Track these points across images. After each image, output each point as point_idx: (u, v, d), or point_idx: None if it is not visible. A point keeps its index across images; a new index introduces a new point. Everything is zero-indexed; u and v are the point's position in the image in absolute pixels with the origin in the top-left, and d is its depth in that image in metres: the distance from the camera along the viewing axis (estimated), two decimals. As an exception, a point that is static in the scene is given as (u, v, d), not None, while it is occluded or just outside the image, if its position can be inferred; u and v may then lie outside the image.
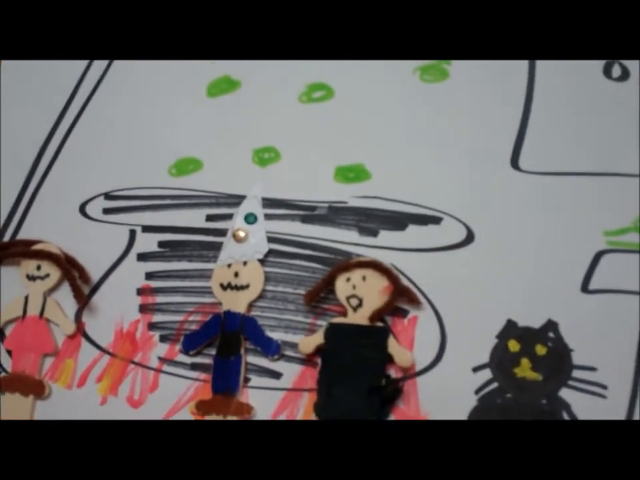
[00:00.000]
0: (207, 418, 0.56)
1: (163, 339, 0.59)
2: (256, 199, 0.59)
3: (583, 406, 0.51)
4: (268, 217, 0.59)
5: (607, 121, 0.55)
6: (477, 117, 0.57)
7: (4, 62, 0.68)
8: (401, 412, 0.53)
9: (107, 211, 0.62)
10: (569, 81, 0.56)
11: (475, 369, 0.53)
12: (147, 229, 0.61)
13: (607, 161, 0.54)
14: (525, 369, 0.52)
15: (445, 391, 0.53)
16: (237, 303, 0.57)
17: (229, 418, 0.56)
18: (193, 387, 0.57)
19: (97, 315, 0.61)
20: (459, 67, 0.58)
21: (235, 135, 0.61)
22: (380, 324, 0.54)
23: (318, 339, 0.55)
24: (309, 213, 0.58)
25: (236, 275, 0.58)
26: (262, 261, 0.58)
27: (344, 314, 0.55)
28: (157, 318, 0.59)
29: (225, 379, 0.56)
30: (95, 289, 0.61)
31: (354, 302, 0.54)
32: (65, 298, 0.61)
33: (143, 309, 0.60)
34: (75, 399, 0.59)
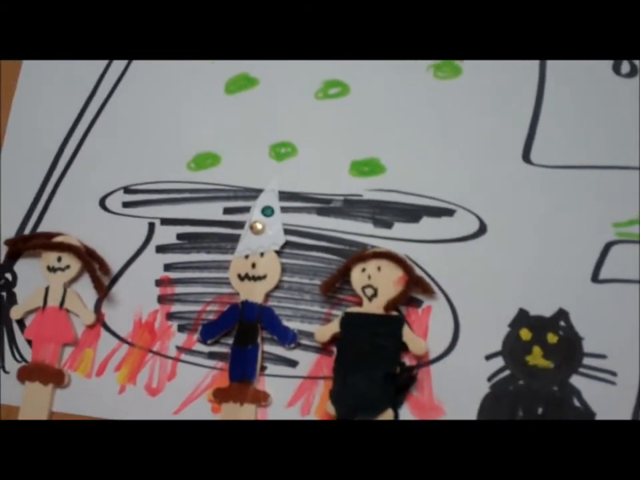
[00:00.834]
0: (224, 405, 0.57)
1: (181, 328, 0.60)
2: (273, 192, 0.61)
3: (593, 392, 0.52)
4: (284, 209, 0.60)
5: (616, 115, 0.56)
6: (489, 112, 0.58)
7: (24, 63, 0.69)
8: (414, 399, 0.54)
9: (126, 205, 0.64)
10: (578, 77, 0.57)
11: (488, 357, 0.54)
12: (165, 221, 0.63)
13: (616, 154, 0.55)
14: (536, 357, 0.53)
15: (458, 379, 0.54)
16: (254, 293, 0.58)
17: (246, 405, 0.57)
18: (210, 375, 0.59)
19: (116, 306, 0.62)
20: (471, 64, 0.59)
21: (253, 130, 0.62)
22: (395, 313, 0.55)
23: (334, 327, 0.56)
24: (325, 206, 0.59)
25: (253, 265, 0.59)
26: (278, 252, 0.59)
27: (359, 304, 0.56)
28: (175, 308, 0.61)
29: (242, 367, 0.57)
30: (114, 280, 0.62)
31: (369, 292, 0.56)
32: (85, 289, 0.62)
33: (162, 299, 0.61)
34: (93, 388, 0.61)
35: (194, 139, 0.64)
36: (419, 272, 0.56)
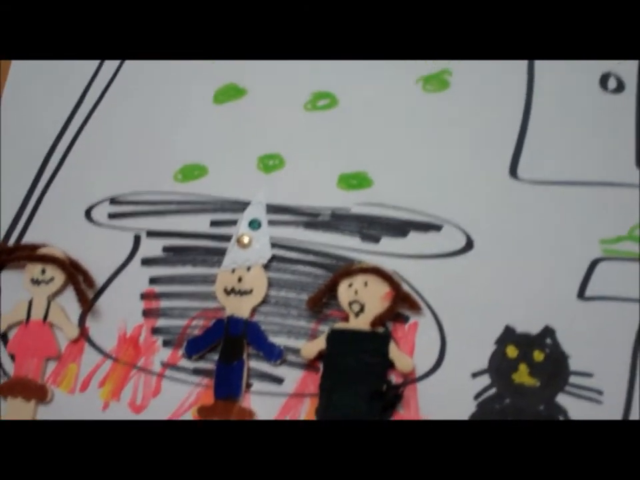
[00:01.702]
0: (209, 422, 0.56)
1: (166, 343, 0.59)
2: (260, 205, 0.60)
3: (579, 411, 0.51)
4: (272, 222, 0.60)
5: (604, 131, 0.56)
6: (476, 126, 0.58)
7: (13, 63, 0.69)
8: (401, 417, 0.54)
9: (112, 216, 0.63)
10: (566, 92, 0.58)
11: (474, 375, 0.53)
12: (151, 234, 0.62)
13: (604, 171, 0.55)
14: (522, 375, 0.52)
15: (444, 396, 0.53)
16: (240, 308, 0.58)
17: (231, 422, 0.56)
18: (195, 392, 0.58)
19: (101, 320, 0.61)
20: (459, 78, 0.59)
21: (240, 141, 0.62)
22: (381, 329, 0.55)
23: (320, 344, 0.55)
24: (312, 220, 0.59)
25: (239, 280, 0.58)
26: (265, 266, 0.59)
27: (346, 319, 0.56)
28: (161, 323, 0.60)
29: (228, 385, 0.57)
30: (99, 293, 0.62)
31: (356, 307, 0.55)
32: (69, 302, 0.61)
33: (147, 313, 0.60)
34: (77, 404, 0.60)
35: (181, 149, 0.63)
36: (405, 287, 0.56)
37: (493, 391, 0.53)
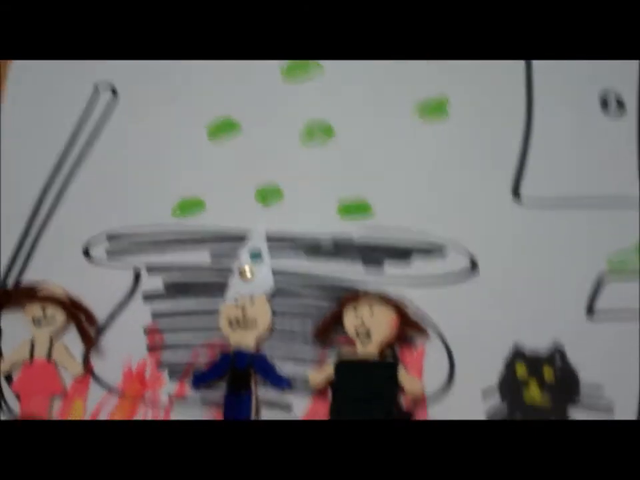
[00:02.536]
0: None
1: (172, 375, 0.59)
2: (260, 236, 0.60)
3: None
4: (273, 253, 0.60)
5: (605, 151, 0.58)
6: (477, 150, 0.60)
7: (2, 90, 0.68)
8: (412, 440, 0.54)
9: (110, 253, 0.63)
10: (566, 113, 0.59)
11: (484, 395, 0.54)
12: (151, 269, 0.62)
13: (607, 190, 0.57)
14: (533, 393, 0.53)
15: (455, 418, 0.54)
16: (245, 340, 0.58)
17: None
18: (204, 424, 0.58)
19: (105, 356, 0.61)
20: (457, 103, 0.60)
21: (237, 175, 0.63)
22: (389, 358, 0.55)
23: (328, 373, 0.55)
24: (314, 248, 0.60)
25: (243, 312, 0.59)
26: (268, 297, 0.59)
27: (353, 344, 0.56)
28: (166, 357, 0.60)
29: (237, 415, 0.57)
30: (101, 330, 0.61)
31: (362, 335, 0.55)
32: (72, 339, 0.61)
33: (151, 348, 0.60)
34: (85, 440, 0.59)
35: (178, 184, 0.63)
36: (411, 312, 0.56)
37: (504, 409, 0.53)
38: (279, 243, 0.60)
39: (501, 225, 0.57)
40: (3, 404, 0.61)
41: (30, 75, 0.69)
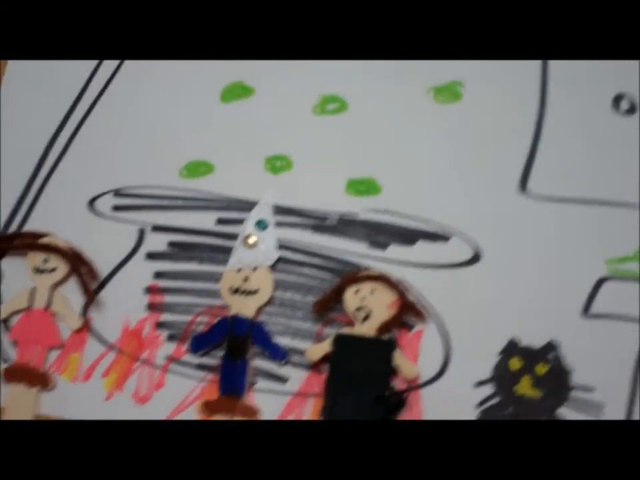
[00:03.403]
0: (214, 417, 0.57)
1: (170, 338, 0.60)
2: (267, 205, 0.60)
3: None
4: (279, 224, 0.60)
5: (614, 152, 0.57)
6: (488, 138, 0.59)
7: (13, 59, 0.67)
8: (404, 422, 0.55)
9: (116, 208, 0.63)
10: (578, 111, 0.58)
11: (478, 384, 0.55)
12: (156, 228, 0.62)
13: (614, 191, 0.56)
14: (525, 387, 0.54)
15: (447, 404, 0.55)
16: (245, 308, 0.58)
17: (236, 419, 0.57)
18: (200, 387, 0.59)
19: (104, 311, 0.61)
20: (471, 89, 0.60)
21: (248, 141, 0.62)
22: (386, 336, 0.56)
23: (325, 347, 0.56)
24: (320, 223, 0.59)
25: (245, 279, 0.59)
26: (271, 267, 0.59)
27: (351, 323, 0.56)
28: (165, 317, 0.60)
29: (232, 381, 0.57)
30: (102, 285, 0.62)
31: (362, 314, 0.56)
32: (72, 292, 0.61)
33: (151, 307, 0.61)
34: (79, 393, 0.60)
35: (187, 145, 0.63)
36: (412, 296, 0.56)
37: (495, 400, 0.54)
38: (286, 214, 0.60)
39: (507, 216, 0.57)
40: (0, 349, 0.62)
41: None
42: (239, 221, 0.60)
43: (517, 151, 0.58)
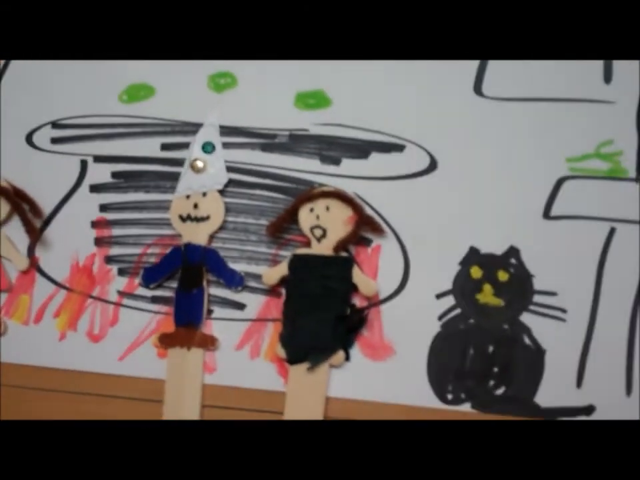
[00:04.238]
0: (171, 350, 0.56)
1: (121, 272, 0.58)
2: (213, 126, 0.58)
3: (543, 329, 0.52)
4: (226, 145, 0.57)
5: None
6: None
7: None
8: (365, 340, 0.54)
9: (55, 141, 0.60)
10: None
11: (438, 296, 0.54)
12: (98, 159, 0.59)
13: (571, 87, 0.55)
14: (487, 295, 0.53)
15: (408, 318, 0.54)
16: (197, 235, 0.56)
17: (193, 350, 0.55)
18: (155, 320, 0.57)
19: (51, 249, 0.59)
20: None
21: (189, 60, 0.59)
22: (344, 254, 0.54)
23: (282, 270, 0.55)
24: (269, 141, 0.57)
25: (195, 206, 0.57)
26: (221, 192, 0.57)
27: (307, 244, 0.55)
28: (114, 251, 0.58)
29: (188, 312, 0.56)
30: (47, 222, 0.59)
31: (318, 232, 0.54)
32: (16, 232, 0.59)
33: (99, 242, 0.58)
34: (32, 335, 0.58)
35: (126, 68, 0.59)
36: (368, 210, 0.55)
37: (457, 311, 0.53)
38: (233, 134, 0.57)
39: (463, 122, 0.55)
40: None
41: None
42: (185, 145, 0.58)
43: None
